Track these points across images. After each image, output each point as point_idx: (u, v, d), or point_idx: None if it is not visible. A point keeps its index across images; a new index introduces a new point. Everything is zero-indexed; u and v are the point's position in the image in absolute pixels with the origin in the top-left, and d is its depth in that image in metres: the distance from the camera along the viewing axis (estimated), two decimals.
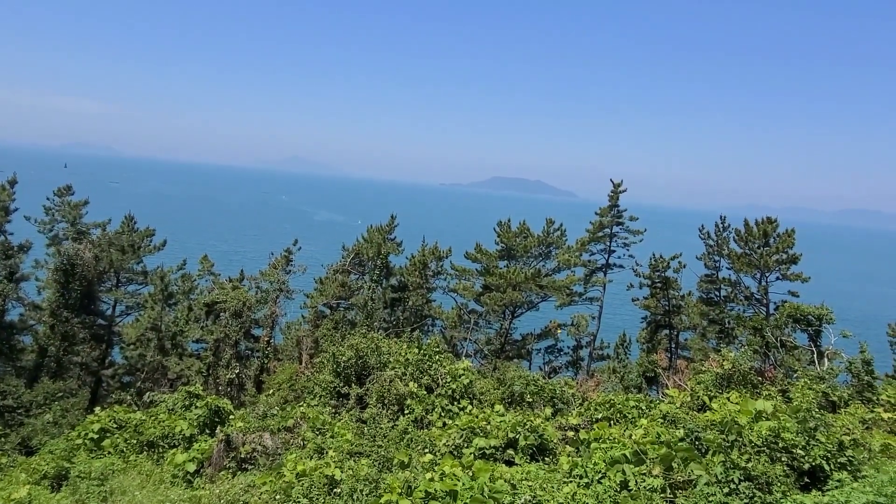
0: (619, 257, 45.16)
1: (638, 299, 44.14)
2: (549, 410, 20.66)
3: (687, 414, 17.61)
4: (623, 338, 43.05)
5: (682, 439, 13.99)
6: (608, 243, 44.99)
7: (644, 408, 19.27)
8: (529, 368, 39.66)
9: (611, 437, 15.04)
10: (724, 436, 13.46)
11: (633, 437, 14.78)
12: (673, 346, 42.77)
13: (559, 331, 42.96)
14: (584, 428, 17.97)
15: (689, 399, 20.77)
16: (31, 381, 31.59)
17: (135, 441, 19.75)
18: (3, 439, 22.72)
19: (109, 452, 19.14)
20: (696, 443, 13.84)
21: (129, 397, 30.41)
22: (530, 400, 22.08)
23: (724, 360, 22.38)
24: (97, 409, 21.59)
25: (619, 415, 19.07)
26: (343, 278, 40.05)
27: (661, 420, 16.91)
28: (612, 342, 44.45)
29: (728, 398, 18.02)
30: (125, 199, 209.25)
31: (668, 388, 24.80)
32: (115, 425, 20.40)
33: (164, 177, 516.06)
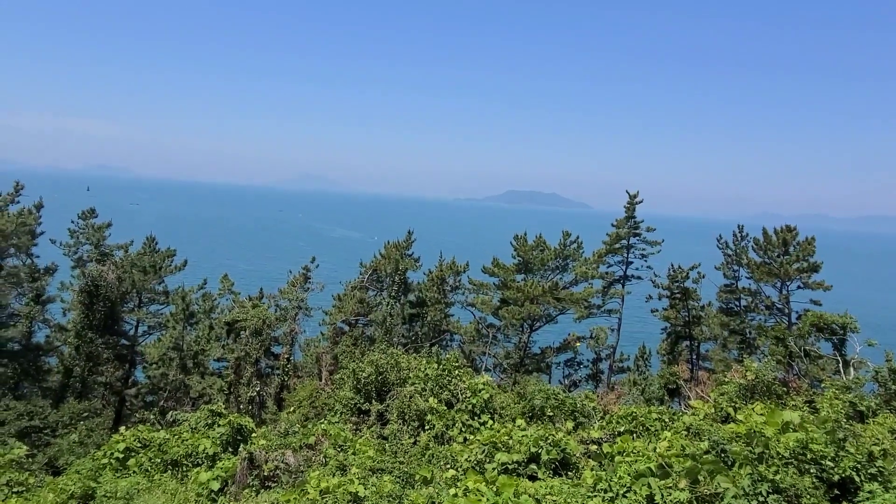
0: (637, 269, 44.95)
1: (657, 310, 43.84)
2: (570, 424, 20.51)
3: (711, 426, 17.41)
4: (643, 349, 42.73)
5: (707, 451, 13.85)
6: (625, 255, 44.83)
7: (667, 420, 19.09)
8: (549, 382, 39.46)
9: (635, 451, 14.92)
10: (750, 448, 13.31)
11: (658, 450, 14.65)
12: (694, 357, 42.36)
13: (578, 344, 42.75)
14: (606, 441, 17.84)
15: (712, 411, 20.54)
16: (57, 402, 32.01)
17: (159, 460, 19.90)
18: (30, 459, 22.96)
19: (134, 472, 19.31)
20: (722, 455, 13.69)
21: (152, 416, 30.63)
22: (551, 414, 21.94)
23: (747, 370, 22.13)
24: (122, 428, 21.81)
25: (641, 428, 18.89)
26: (361, 295, 40.23)
27: (685, 432, 16.74)
28: (632, 354, 44.12)
29: (753, 409, 17.81)
30: (145, 220, 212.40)
31: (691, 400, 24.54)
32: (139, 444, 20.59)
33: (181, 197, 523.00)
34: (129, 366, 38.60)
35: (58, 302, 36.74)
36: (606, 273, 44.76)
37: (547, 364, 43.00)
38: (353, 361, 27.02)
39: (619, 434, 18.45)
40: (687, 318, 42.34)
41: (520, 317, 40.39)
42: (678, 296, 42.41)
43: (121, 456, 19.77)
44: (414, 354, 27.50)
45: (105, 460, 19.59)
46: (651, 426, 18.80)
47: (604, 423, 20.13)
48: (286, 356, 37.48)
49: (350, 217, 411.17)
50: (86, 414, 30.22)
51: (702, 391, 26.89)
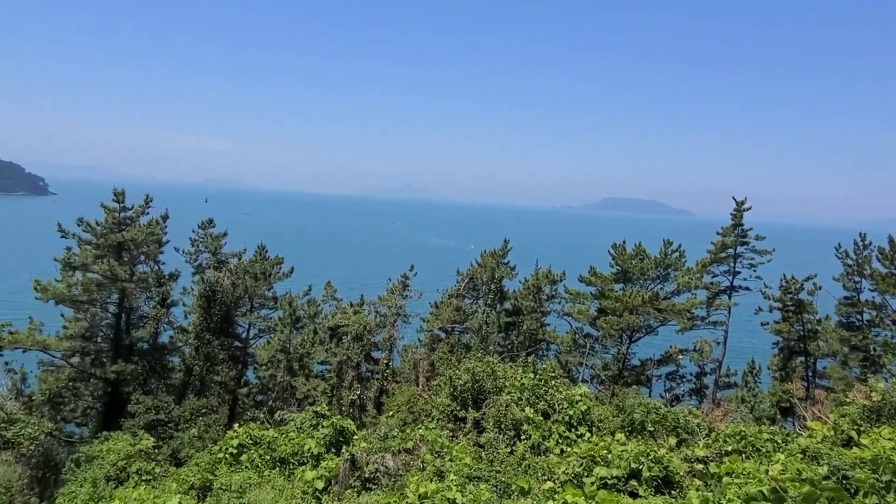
0: (745, 279, 42.63)
1: (768, 323, 41.33)
2: (672, 440, 19.78)
3: (831, 449, 16.23)
4: (752, 365, 40.31)
5: (826, 477, 12.92)
6: (732, 264, 42.64)
7: (780, 441, 17.96)
8: (650, 395, 38.14)
9: (745, 472, 14.18)
10: (877, 476, 12.29)
11: (770, 473, 13.85)
12: (810, 374, 39.53)
13: (681, 356, 41.04)
14: (712, 461, 17.05)
15: (832, 433, 19.10)
16: (179, 398, 34.63)
17: (268, 457, 21.06)
18: (156, 451, 24.98)
19: (246, 467, 20.55)
20: (844, 482, 12.73)
21: (262, 415, 32.45)
22: (652, 429, 21.25)
23: (871, 390, 20.41)
24: (235, 425, 23.28)
25: (751, 448, 17.89)
26: (458, 303, 40.70)
27: (801, 455, 15.70)
28: (739, 369, 41.76)
29: (880, 434, 16.42)
30: (256, 229, 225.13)
31: (807, 421, 22.93)
32: (251, 441, 21.88)
33: (289, 207, 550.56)
34: (241, 366, 41.06)
35: (180, 305, 39.80)
36: (711, 283, 42.72)
37: (647, 377, 41.58)
38: (450, 368, 27.38)
39: (727, 454, 17.57)
40: (801, 333, 39.60)
41: (618, 327, 39.35)
42: (791, 308, 39.77)
43: (234, 451, 21.11)
44: (510, 363, 27.47)
45: (221, 455, 20.98)
46: (762, 447, 17.77)
47: (709, 442, 19.23)
48: (385, 361, 38.55)
49: (447, 226, 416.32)
50: (204, 410, 32.44)
51: (819, 411, 25.06)
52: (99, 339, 35.53)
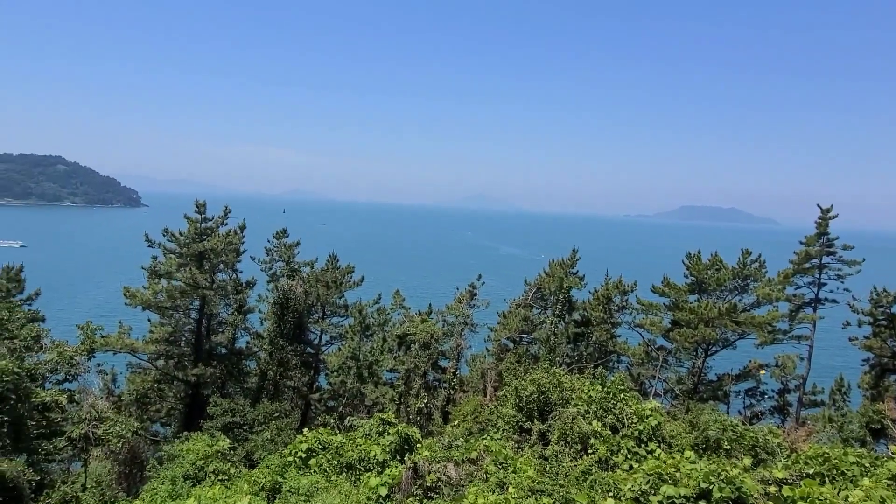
0: (832, 291, 40.22)
1: (857, 339, 38.77)
2: (748, 460, 18.83)
3: None
4: (840, 382, 37.90)
5: None
6: (817, 275, 40.35)
7: (867, 465, 16.80)
8: (727, 412, 36.50)
9: (821, 497, 13.38)
10: None
11: (850, 499, 13.03)
12: None
13: (761, 372, 39.10)
14: (790, 484, 16.16)
15: None
16: (254, 402, 36.01)
17: (336, 462, 21.54)
18: (232, 452, 26.06)
19: (315, 471, 21.10)
20: None
21: (332, 421, 33.26)
22: (728, 447, 20.36)
23: None
24: (305, 430, 23.97)
25: (835, 471, 16.83)
26: (525, 312, 40.43)
27: (889, 481, 14.66)
28: (826, 387, 39.37)
29: None
30: (330, 238, 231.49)
31: None
32: (319, 446, 22.45)
33: (363, 218, 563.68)
34: (313, 372, 42.28)
35: (256, 312, 41.46)
36: (794, 295, 40.53)
37: (724, 392, 39.82)
38: (517, 379, 27.20)
39: (807, 476, 16.62)
40: (894, 349, 36.93)
41: (693, 340, 37.94)
42: (884, 323, 37.16)
43: (304, 455, 21.72)
44: (577, 375, 27.02)
45: (290, 458, 21.64)
46: (847, 470, 16.68)
47: (789, 463, 18.24)
48: (452, 370, 38.74)
49: (517, 235, 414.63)
50: (277, 414, 33.58)
51: None
52: (182, 343, 37.53)
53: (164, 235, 36.73)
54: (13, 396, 21.20)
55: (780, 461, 19.15)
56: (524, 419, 23.06)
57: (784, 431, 24.38)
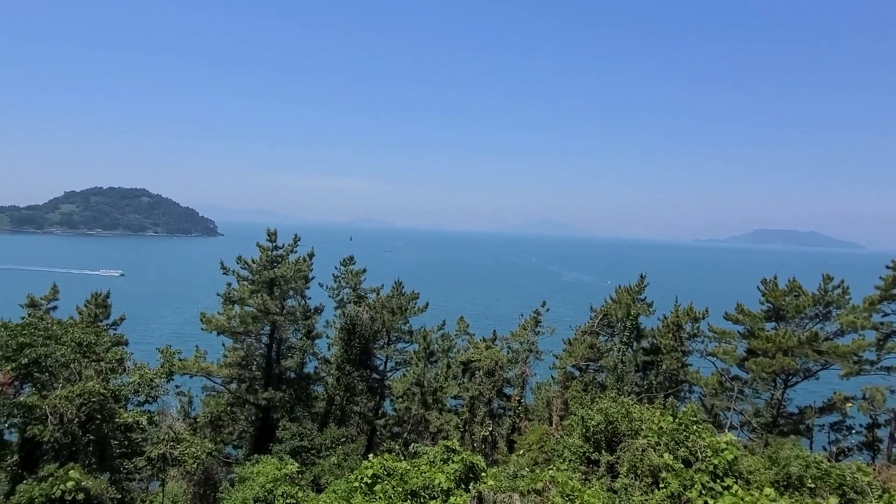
0: None
1: None
2: (835, 500, 17.65)
3: None
4: None
5: None
6: None
7: None
8: (810, 448, 34.31)
9: None
10: None
11: None
12: None
13: (847, 405, 36.61)
14: None
15: None
16: (321, 426, 36.61)
17: (401, 489, 21.47)
18: (300, 475, 26.48)
19: (380, 497, 21.12)
20: None
21: (397, 447, 33.33)
22: (812, 486, 19.11)
23: None
24: (371, 455, 24.12)
25: None
26: (592, 339, 39.57)
27: None
28: None
29: None
30: (395, 265, 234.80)
31: None
32: (384, 472, 22.48)
33: (428, 245, 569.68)
34: (379, 398, 42.64)
35: (324, 338, 42.36)
36: (882, 323, 37.89)
37: (807, 426, 37.46)
38: (583, 408, 26.54)
39: None
40: None
41: (771, 370, 36.02)
42: None
43: (369, 481, 21.80)
44: (647, 405, 26.10)
45: (356, 484, 21.74)
46: None
47: (881, 503, 16.96)
48: (517, 398, 38.21)
49: (583, 261, 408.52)
50: (343, 439, 33.98)
51: None
52: (253, 368, 38.74)
53: (237, 263, 38.26)
54: (99, 416, 22.37)
55: (871, 501, 17.84)
56: (591, 450, 22.40)
57: (874, 469, 22.65)
